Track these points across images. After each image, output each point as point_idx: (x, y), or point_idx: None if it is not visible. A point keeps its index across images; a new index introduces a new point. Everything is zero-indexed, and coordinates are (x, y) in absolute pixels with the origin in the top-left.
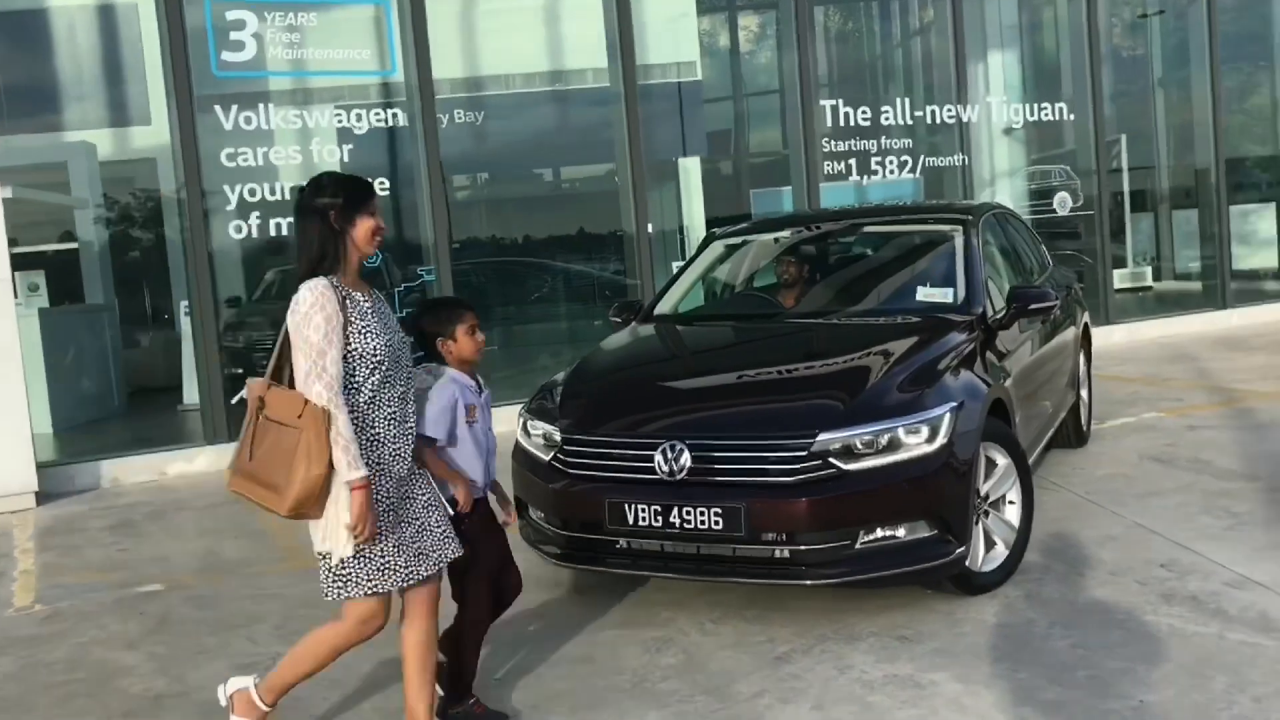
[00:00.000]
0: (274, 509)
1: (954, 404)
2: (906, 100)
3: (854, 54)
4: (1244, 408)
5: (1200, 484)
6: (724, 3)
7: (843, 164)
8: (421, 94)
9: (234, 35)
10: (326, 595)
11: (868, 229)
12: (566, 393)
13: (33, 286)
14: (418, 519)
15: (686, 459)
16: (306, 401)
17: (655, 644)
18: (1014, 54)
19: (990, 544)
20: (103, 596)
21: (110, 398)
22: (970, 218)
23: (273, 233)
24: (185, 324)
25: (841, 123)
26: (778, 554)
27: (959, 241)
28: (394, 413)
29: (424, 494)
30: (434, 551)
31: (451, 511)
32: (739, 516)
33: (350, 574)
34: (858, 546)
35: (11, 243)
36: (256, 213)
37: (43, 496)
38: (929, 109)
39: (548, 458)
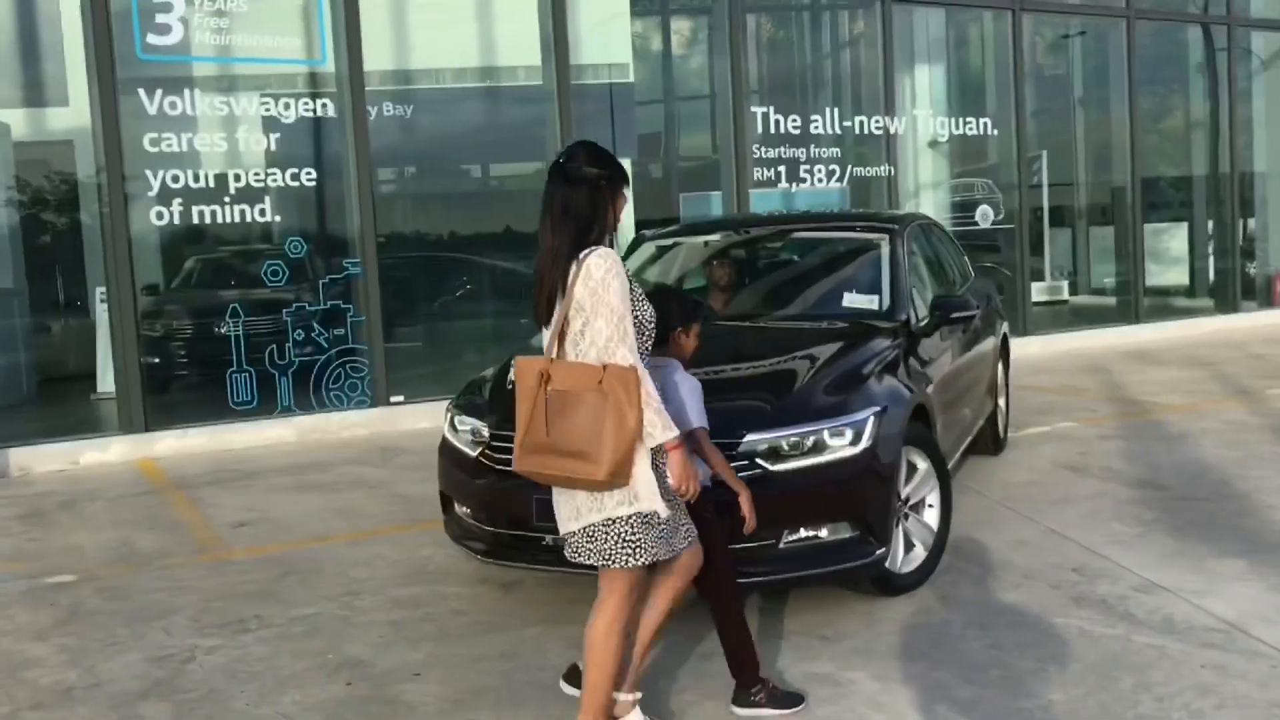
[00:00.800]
0: (585, 477)
1: (878, 408)
2: (835, 110)
3: (785, 63)
4: (1154, 419)
5: (1111, 492)
6: (658, 6)
7: (772, 171)
8: (351, 85)
9: (160, 18)
10: (613, 564)
11: (797, 235)
12: (496, 389)
13: None
14: None
15: None
16: (605, 368)
17: (577, 640)
18: (941, 69)
19: (910, 546)
20: (11, 587)
21: (19, 384)
22: (896, 227)
23: (195, 220)
24: (101, 311)
25: (772, 130)
26: None
27: (885, 250)
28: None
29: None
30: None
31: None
32: None
33: (652, 536)
34: (781, 546)
35: None
36: (179, 199)
37: None
38: (857, 119)
39: (475, 453)
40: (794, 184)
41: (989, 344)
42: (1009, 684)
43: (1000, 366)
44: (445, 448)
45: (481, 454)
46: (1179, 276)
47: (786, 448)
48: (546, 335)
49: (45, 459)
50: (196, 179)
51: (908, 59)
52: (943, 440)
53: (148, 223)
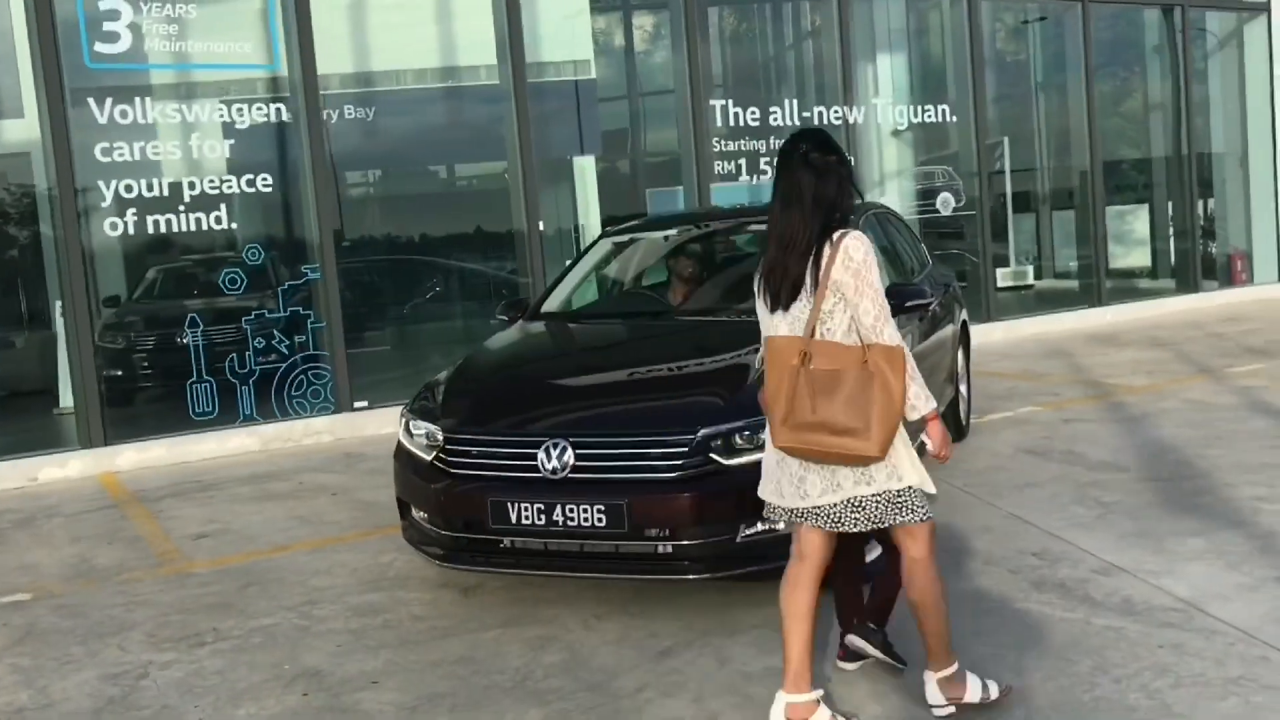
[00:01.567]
0: (857, 452)
1: None
2: (795, 101)
3: (744, 55)
4: (1115, 401)
5: (1072, 475)
6: (619, 2)
7: (732, 164)
8: (305, 89)
9: (108, 25)
10: (889, 522)
11: (754, 228)
12: (449, 392)
13: None
14: None
15: (569, 457)
16: (869, 346)
17: (538, 642)
18: (900, 57)
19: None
20: None
21: None
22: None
23: (151, 230)
24: (60, 325)
25: (731, 123)
26: (660, 550)
27: None
28: None
29: None
30: None
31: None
32: (621, 513)
33: (913, 501)
34: (739, 540)
35: None
36: (133, 209)
37: None
38: (816, 110)
39: (430, 457)
40: (755, 177)
41: (947, 331)
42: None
43: (960, 353)
44: (400, 453)
45: (436, 458)
46: (1141, 258)
47: (741, 441)
48: (779, 317)
49: (2, 477)
50: (151, 188)
51: (866, 48)
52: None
53: (103, 234)
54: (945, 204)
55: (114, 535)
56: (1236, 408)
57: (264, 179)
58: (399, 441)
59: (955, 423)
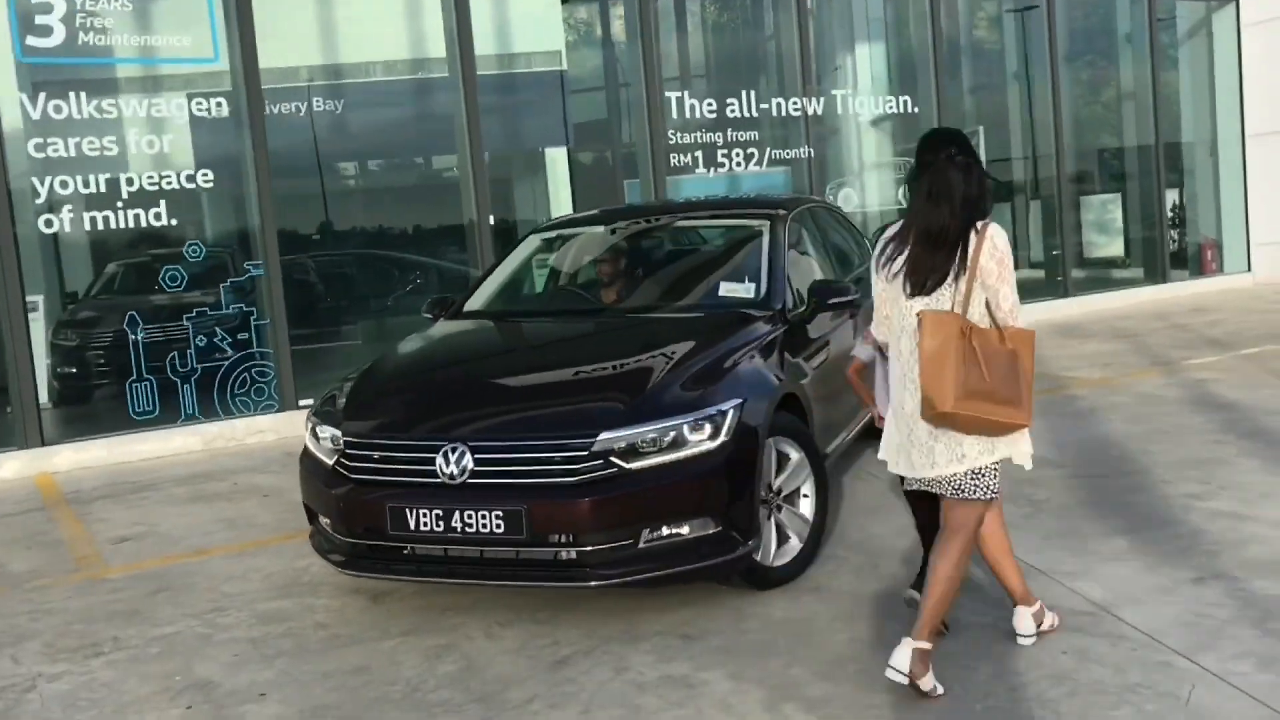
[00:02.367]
0: (1014, 421)
1: (738, 400)
2: (754, 92)
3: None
4: (1066, 395)
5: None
6: None
7: (689, 156)
8: (247, 83)
9: (40, 19)
10: (987, 496)
11: (680, 224)
12: (352, 395)
13: None
14: None
15: (468, 461)
16: (1004, 328)
17: (436, 651)
18: (863, 48)
19: (784, 538)
20: None
21: None
22: (780, 213)
23: (88, 227)
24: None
25: (688, 114)
26: (561, 556)
27: (765, 237)
28: None
29: None
30: None
31: None
32: (520, 519)
33: (996, 476)
34: (641, 546)
35: None
36: (69, 206)
37: None
38: (775, 101)
39: (331, 462)
40: (711, 169)
41: None
42: (864, 679)
43: None
44: (305, 457)
45: (337, 463)
46: (1109, 249)
47: (643, 445)
48: (917, 301)
49: None
50: (87, 184)
51: (829, 39)
52: (822, 428)
53: (37, 231)
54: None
55: (35, 539)
56: (1186, 401)
57: (205, 174)
58: (305, 446)
59: None
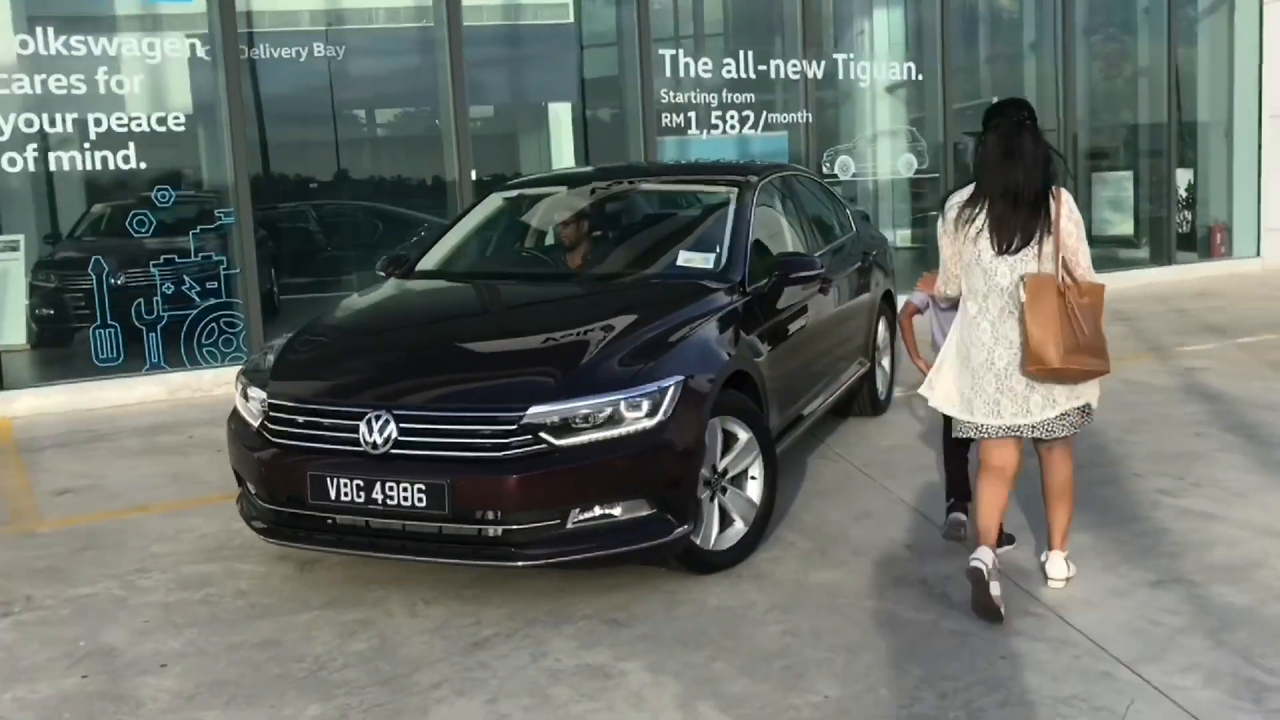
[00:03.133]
0: (1100, 370)
1: (680, 377)
2: (750, 53)
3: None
4: None
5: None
6: None
7: (681, 117)
8: (223, 25)
9: None
10: (1060, 434)
11: (646, 188)
12: (282, 355)
13: None
14: None
15: (392, 431)
16: (1082, 282)
17: (353, 627)
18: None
19: (728, 521)
20: None
21: None
22: (749, 179)
23: (53, 167)
24: None
25: (681, 74)
26: (486, 533)
27: (731, 205)
28: None
29: None
30: None
31: None
32: (442, 494)
33: (1086, 412)
34: (570, 526)
35: None
36: (33, 145)
37: None
38: (774, 63)
39: (256, 424)
40: (705, 131)
41: (861, 302)
42: (788, 677)
43: (882, 325)
44: (233, 418)
45: (261, 425)
46: (1118, 228)
47: (576, 421)
48: (1002, 260)
49: None
50: (54, 124)
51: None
52: (778, 408)
53: (1, 171)
54: (908, 166)
55: None
56: (1174, 391)
57: (175, 118)
58: (234, 408)
59: (871, 397)
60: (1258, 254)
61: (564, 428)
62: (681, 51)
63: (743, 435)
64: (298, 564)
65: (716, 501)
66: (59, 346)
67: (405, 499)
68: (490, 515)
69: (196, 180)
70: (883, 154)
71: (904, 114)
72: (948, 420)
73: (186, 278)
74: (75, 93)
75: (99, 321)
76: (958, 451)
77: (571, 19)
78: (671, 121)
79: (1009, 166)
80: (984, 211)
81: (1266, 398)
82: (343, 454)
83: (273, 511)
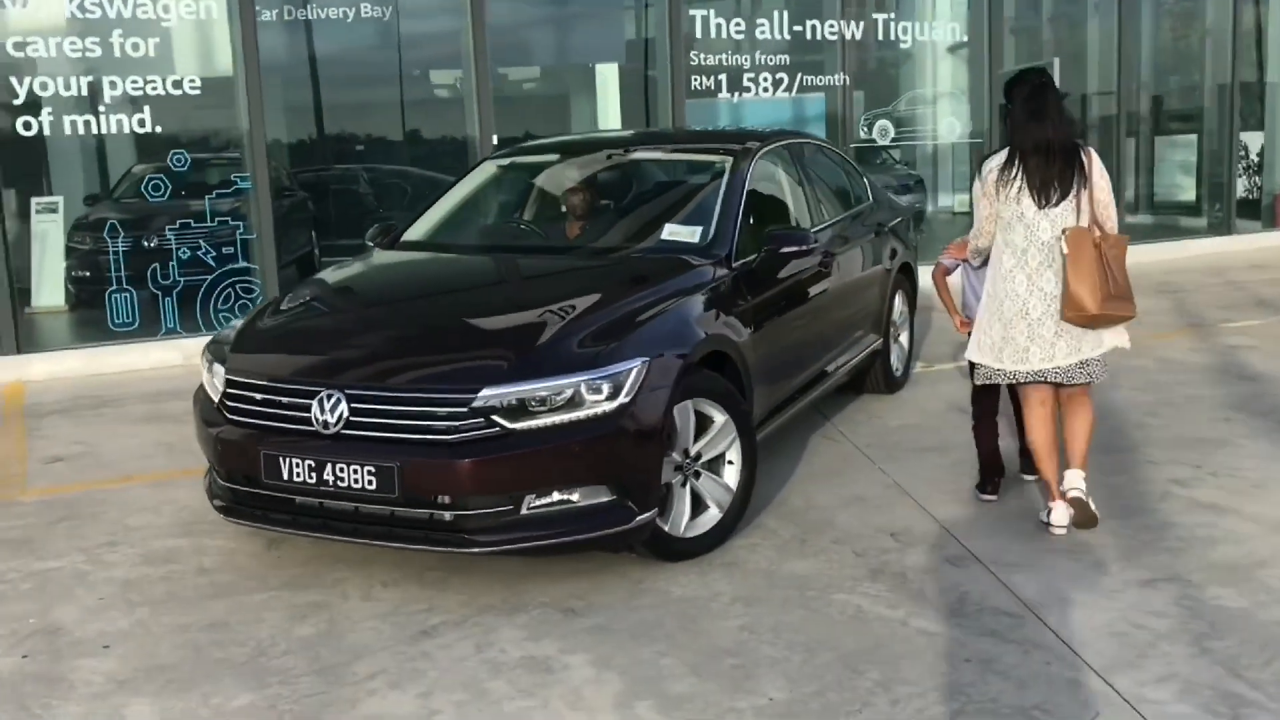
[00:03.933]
0: (1129, 315)
1: (645, 358)
2: (786, 14)
3: None
4: None
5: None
6: None
7: (712, 79)
8: None
9: None
10: (1095, 379)
11: (639, 157)
12: (244, 329)
13: None
14: None
15: (344, 410)
16: (1109, 235)
17: (304, 610)
18: None
19: (701, 507)
20: None
21: None
22: (745, 148)
23: (69, 131)
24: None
25: (713, 35)
26: (437, 518)
27: (725, 176)
28: None
29: None
30: None
31: None
32: (392, 477)
33: (1100, 364)
34: (525, 512)
35: None
36: (49, 109)
37: None
38: (810, 23)
39: (216, 400)
40: (736, 93)
41: (874, 274)
42: (737, 677)
43: (899, 298)
44: (198, 394)
45: (220, 402)
46: (1178, 194)
47: (533, 403)
48: (1043, 214)
49: None
50: (69, 87)
51: None
52: (766, 390)
53: (14, 134)
54: (951, 130)
55: None
56: (1209, 370)
57: (191, 81)
58: (200, 384)
59: (885, 374)
60: None
61: (519, 410)
62: (713, 11)
63: (719, 418)
64: (266, 542)
65: (688, 487)
66: (72, 312)
67: (356, 481)
68: (442, 499)
69: (212, 144)
70: (924, 119)
71: (949, 77)
72: (976, 401)
73: (203, 243)
74: (91, 55)
75: (115, 286)
76: (988, 426)
77: None
78: (702, 84)
79: (1038, 124)
80: (1021, 169)
81: None
82: (296, 433)
83: (230, 490)
